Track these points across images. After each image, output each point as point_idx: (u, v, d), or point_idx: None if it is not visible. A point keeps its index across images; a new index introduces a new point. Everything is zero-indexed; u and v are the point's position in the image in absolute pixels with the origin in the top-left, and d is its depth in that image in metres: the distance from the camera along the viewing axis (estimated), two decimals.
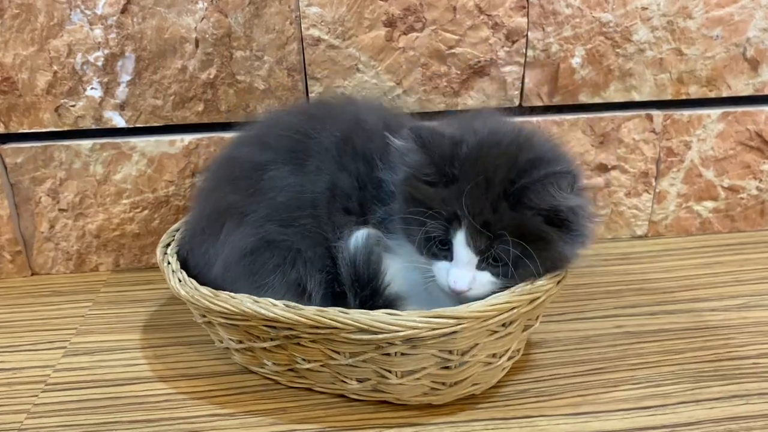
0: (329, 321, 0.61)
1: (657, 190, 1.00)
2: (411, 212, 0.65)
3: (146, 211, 0.95)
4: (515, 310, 0.63)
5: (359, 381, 0.67)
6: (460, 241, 0.63)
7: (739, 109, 0.97)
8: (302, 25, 0.87)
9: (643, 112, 0.96)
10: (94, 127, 0.90)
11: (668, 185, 1.00)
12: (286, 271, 0.70)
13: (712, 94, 0.96)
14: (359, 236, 0.68)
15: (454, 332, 0.61)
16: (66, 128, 0.90)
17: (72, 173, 0.92)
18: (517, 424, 0.67)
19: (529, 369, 0.74)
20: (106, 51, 0.86)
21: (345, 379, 0.68)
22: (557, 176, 0.61)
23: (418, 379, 0.65)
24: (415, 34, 0.89)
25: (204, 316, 0.71)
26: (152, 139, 0.92)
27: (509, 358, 0.69)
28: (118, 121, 0.90)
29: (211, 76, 0.89)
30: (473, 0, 0.87)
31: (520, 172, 0.63)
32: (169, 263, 0.73)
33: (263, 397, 0.71)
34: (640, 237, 1.03)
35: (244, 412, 0.69)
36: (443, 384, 0.66)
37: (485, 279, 0.64)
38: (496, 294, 0.63)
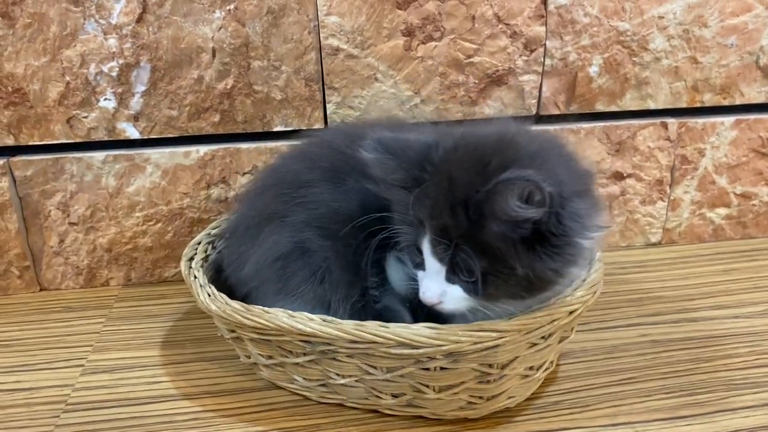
0: (369, 335, 0.60)
1: (671, 198, 1.01)
2: (390, 219, 0.63)
3: (159, 224, 0.93)
4: (555, 322, 0.62)
5: (394, 396, 0.66)
6: (426, 248, 0.60)
7: (752, 117, 0.98)
8: (321, 35, 0.86)
9: (658, 120, 0.96)
10: (106, 138, 0.88)
11: (682, 192, 1.00)
12: (315, 284, 0.68)
13: (726, 102, 0.96)
14: (392, 266, 0.69)
15: (497, 346, 0.60)
16: (78, 140, 0.88)
17: (83, 186, 0.90)
18: None
19: (560, 380, 0.74)
20: (121, 61, 0.85)
21: (380, 394, 0.66)
22: (508, 184, 0.54)
23: (455, 393, 0.64)
24: (433, 44, 0.88)
25: (233, 332, 0.70)
26: (167, 150, 0.90)
27: (545, 370, 0.69)
28: (132, 133, 0.88)
29: (228, 87, 0.87)
30: (492, 9, 0.87)
31: (486, 178, 0.56)
32: (195, 277, 0.71)
33: (295, 414, 0.70)
34: (654, 244, 1.04)
35: (276, 429, 0.68)
36: (480, 398, 0.66)
37: (457, 293, 0.60)
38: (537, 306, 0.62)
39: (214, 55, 0.86)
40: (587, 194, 0.62)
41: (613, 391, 0.72)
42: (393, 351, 0.61)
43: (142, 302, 0.92)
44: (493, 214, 0.56)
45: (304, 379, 0.69)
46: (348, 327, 0.61)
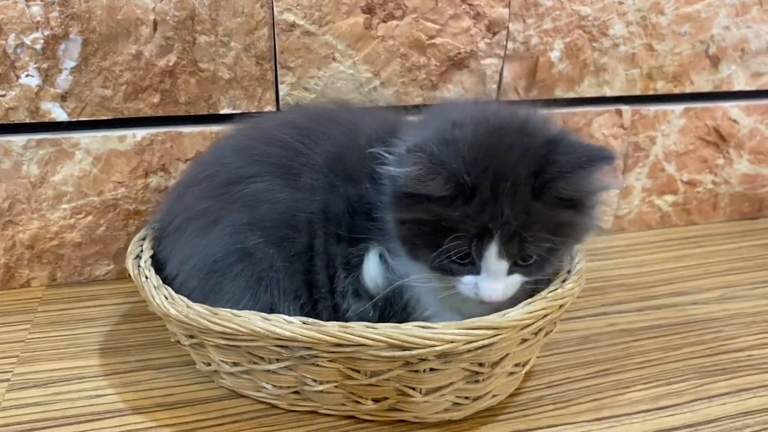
0: (356, 338, 0.55)
1: (623, 185, 1.01)
2: (424, 235, 0.58)
3: (90, 217, 0.83)
4: (548, 317, 0.59)
5: (375, 401, 0.61)
6: (492, 253, 0.56)
7: (700, 105, 0.99)
8: (275, 9, 0.79)
9: (613, 108, 0.96)
10: (28, 120, 0.78)
11: (634, 180, 1.01)
12: (260, 292, 0.62)
13: (677, 90, 0.97)
14: (372, 268, 0.63)
15: (492, 344, 0.57)
16: None
17: (0, 174, 0.79)
18: None
19: (537, 375, 0.71)
20: (47, 32, 0.74)
21: (359, 399, 0.61)
22: (598, 160, 0.55)
23: (443, 395, 0.60)
24: (395, 22, 0.83)
25: (192, 337, 0.62)
26: (99, 134, 0.80)
27: (528, 367, 0.66)
28: (59, 114, 0.78)
29: (171, 64, 0.79)
30: None
31: (542, 162, 0.56)
32: (147, 278, 0.63)
33: (262, 424, 0.63)
34: (604, 232, 1.04)
35: None
36: (467, 398, 0.62)
37: (516, 281, 0.59)
38: (527, 300, 0.59)
39: (155, 28, 0.77)
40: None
41: (592, 384, 0.70)
42: (382, 354, 0.56)
43: (71, 305, 0.82)
44: (570, 194, 0.56)
45: (274, 386, 0.63)
46: (332, 329, 0.55)
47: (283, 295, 0.63)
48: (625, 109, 0.96)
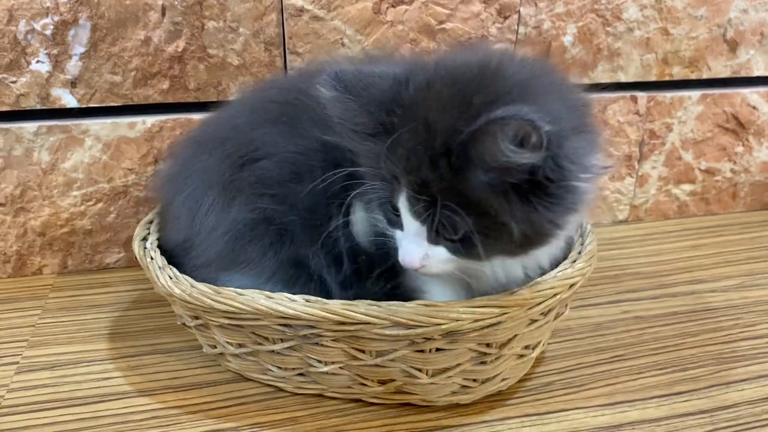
0: (360, 316, 0.54)
1: (639, 174, 0.99)
2: (354, 173, 0.55)
3: (100, 204, 0.83)
4: (557, 297, 0.58)
5: (381, 383, 0.60)
6: (403, 206, 0.52)
7: (717, 91, 0.97)
8: None
9: (628, 94, 0.94)
10: (39, 107, 0.78)
11: (650, 168, 0.99)
12: (281, 251, 0.61)
13: (693, 76, 0.95)
14: (358, 221, 0.61)
15: (499, 323, 0.55)
16: (5, 108, 0.77)
17: (12, 161, 0.79)
18: (553, 419, 0.62)
19: (549, 360, 0.70)
20: (56, 18, 0.75)
21: (365, 382, 0.60)
22: (499, 124, 0.46)
23: (450, 377, 0.59)
24: (404, 7, 0.82)
25: (197, 318, 0.62)
26: (108, 121, 0.80)
27: (539, 350, 0.64)
28: (69, 101, 0.78)
29: (179, 50, 0.79)
30: None
31: (470, 117, 0.48)
32: (152, 258, 0.63)
33: (268, 407, 0.63)
34: (621, 222, 1.02)
35: (249, 425, 0.61)
36: (475, 381, 0.61)
37: (441, 255, 0.53)
38: (536, 279, 0.58)
39: (163, 14, 0.77)
40: (585, 129, 0.54)
41: (605, 370, 0.68)
42: (386, 332, 0.55)
43: (81, 291, 0.82)
44: (482, 161, 0.48)
45: (279, 368, 0.62)
46: (335, 307, 0.55)
47: (303, 247, 0.60)
48: (641, 95, 0.94)
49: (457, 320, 0.54)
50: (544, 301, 0.57)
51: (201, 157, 0.64)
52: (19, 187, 0.81)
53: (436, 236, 0.53)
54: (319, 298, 0.56)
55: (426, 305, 0.55)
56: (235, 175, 0.62)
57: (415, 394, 0.61)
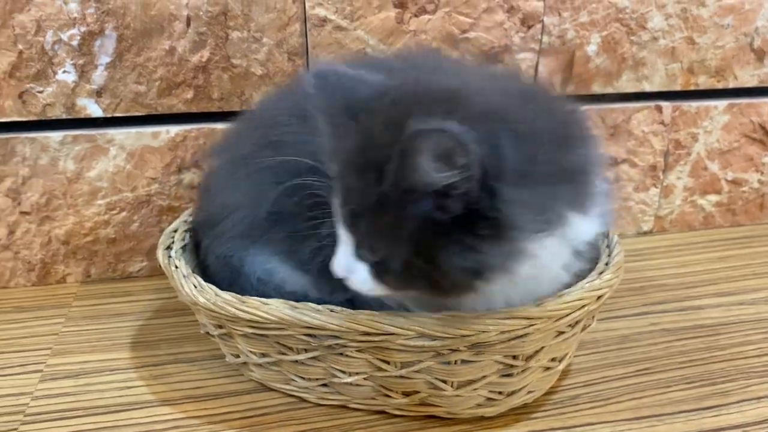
0: (386, 326, 0.54)
1: (664, 184, 0.98)
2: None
3: (124, 213, 0.84)
4: (585, 308, 0.57)
5: (406, 394, 0.60)
6: (335, 211, 0.51)
7: (744, 101, 0.95)
8: (306, 4, 0.79)
9: (652, 104, 0.93)
10: (65, 116, 0.79)
11: (675, 179, 0.98)
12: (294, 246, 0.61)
13: (720, 85, 0.94)
14: None
15: (525, 335, 0.55)
16: (32, 118, 0.78)
17: (37, 170, 0.80)
18: None
19: (575, 373, 0.69)
20: (83, 28, 0.75)
21: (389, 393, 0.60)
22: (419, 137, 0.42)
23: (475, 389, 0.58)
24: (427, 17, 0.82)
25: (221, 327, 0.62)
26: (133, 130, 0.81)
27: (565, 362, 0.63)
28: (94, 110, 0.79)
29: (204, 60, 0.79)
30: None
31: (401, 134, 0.44)
32: (177, 267, 0.63)
33: (291, 418, 0.62)
34: (645, 233, 1.00)
35: None
36: (500, 393, 0.60)
37: (361, 275, 0.51)
38: (563, 291, 0.57)
39: (188, 24, 0.77)
40: (566, 172, 0.50)
41: (632, 383, 0.67)
42: (412, 343, 0.54)
43: (104, 300, 0.83)
44: (404, 180, 0.45)
45: (303, 378, 0.62)
46: (360, 317, 0.54)
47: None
48: (666, 105, 0.93)
49: (483, 332, 0.53)
50: (571, 313, 0.56)
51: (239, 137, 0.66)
52: (44, 196, 0.81)
53: (360, 252, 0.51)
54: (344, 309, 0.55)
55: (453, 316, 0.54)
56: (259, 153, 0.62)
57: (440, 406, 0.60)
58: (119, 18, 0.76)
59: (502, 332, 0.54)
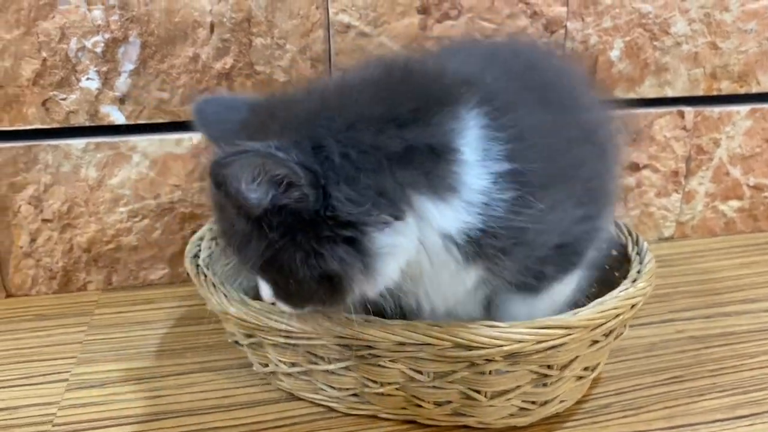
0: (421, 336, 0.53)
1: (686, 190, 0.97)
2: None
3: (146, 221, 0.83)
4: (620, 317, 0.57)
5: (438, 404, 0.59)
6: None
7: (766, 106, 0.95)
8: (330, 10, 0.79)
9: (674, 109, 0.92)
10: (88, 123, 0.78)
11: (697, 184, 0.97)
12: None
13: (742, 90, 0.93)
14: None
15: (562, 344, 0.54)
16: (55, 125, 0.78)
17: (60, 177, 0.80)
18: None
19: (604, 381, 0.68)
20: (107, 35, 0.75)
21: (421, 403, 0.59)
22: (219, 168, 0.44)
23: (509, 399, 0.58)
24: (450, 23, 0.82)
25: (251, 336, 0.61)
26: (156, 137, 0.80)
27: (597, 371, 0.63)
28: (117, 117, 0.79)
29: (227, 66, 0.79)
30: None
31: None
32: (205, 276, 0.62)
33: (319, 428, 0.62)
34: (666, 239, 1.00)
35: None
36: (533, 403, 0.59)
37: (269, 293, 0.53)
38: (598, 300, 0.57)
39: (212, 31, 0.77)
40: (407, 153, 0.46)
41: (663, 392, 0.67)
42: (447, 353, 0.54)
43: (126, 308, 0.82)
44: (236, 207, 0.47)
45: (333, 388, 0.61)
46: (395, 327, 0.54)
47: None
48: (688, 110, 0.93)
49: (520, 342, 0.53)
50: (606, 322, 0.56)
51: None
52: (66, 204, 0.81)
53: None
54: (378, 318, 0.55)
55: (489, 326, 0.53)
56: None
57: (472, 416, 0.60)
58: (143, 25, 0.75)
59: (539, 342, 0.53)
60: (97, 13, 0.74)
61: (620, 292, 0.58)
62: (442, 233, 0.49)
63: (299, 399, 0.65)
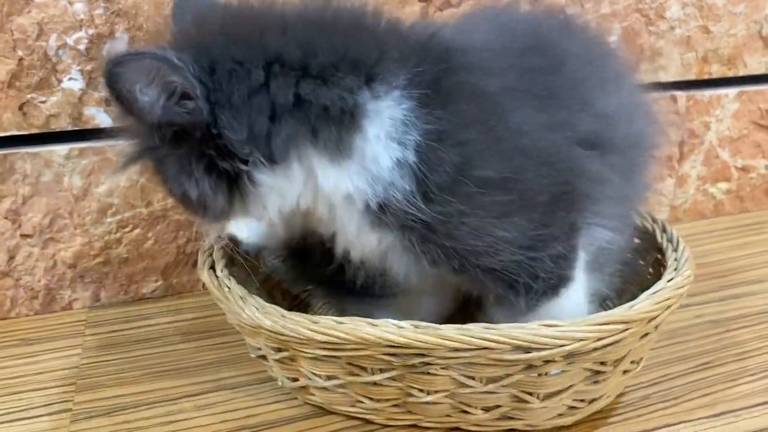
0: (477, 341, 0.50)
1: (679, 174, 0.97)
2: None
3: (137, 230, 0.77)
4: (671, 308, 0.55)
5: (486, 410, 0.56)
6: None
7: (753, 88, 0.96)
8: None
9: (668, 94, 0.92)
10: (71, 128, 0.72)
11: (689, 168, 0.98)
12: None
13: (731, 73, 0.94)
14: None
15: (621, 339, 0.52)
16: (33, 131, 0.71)
17: (40, 188, 0.73)
18: None
19: (637, 373, 0.67)
20: (91, 31, 0.69)
21: (468, 409, 0.56)
22: (114, 65, 0.44)
23: (561, 399, 0.56)
24: (452, 10, 0.79)
25: (281, 350, 0.57)
26: None
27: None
28: (103, 119, 0.72)
29: None
30: None
31: None
32: (229, 288, 0.58)
33: None
34: None
35: None
36: (583, 401, 0.57)
37: None
38: (650, 291, 0.55)
39: None
40: (307, 107, 0.47)
41: (697, 379, 0.66)
42: (506, 357, 0.51)
43: (119, 326, 0.76)
44: (133, 114, 0.47)
45: (372, 399, 0.57)
46: (449, 332, 0.51)
47: None
48: (680, 95, 0.93)
49: (581, 340, 0.50)
50: (661, 314, 0.54)
51: None
52: (48, 216, 0.74)
53: None
54: (430, 324, 0.51)
55: (547, 325, 0.51)
56: None
57: (521, 419, 0.57)
58: (131, 19, 0.69)
59: (599, 339, 0.51)
60: (79, 6, 0.68)
61: (668, 282, 0.56)
62: (336, 191, 0.50)
63: (331, 413, 0.61)
